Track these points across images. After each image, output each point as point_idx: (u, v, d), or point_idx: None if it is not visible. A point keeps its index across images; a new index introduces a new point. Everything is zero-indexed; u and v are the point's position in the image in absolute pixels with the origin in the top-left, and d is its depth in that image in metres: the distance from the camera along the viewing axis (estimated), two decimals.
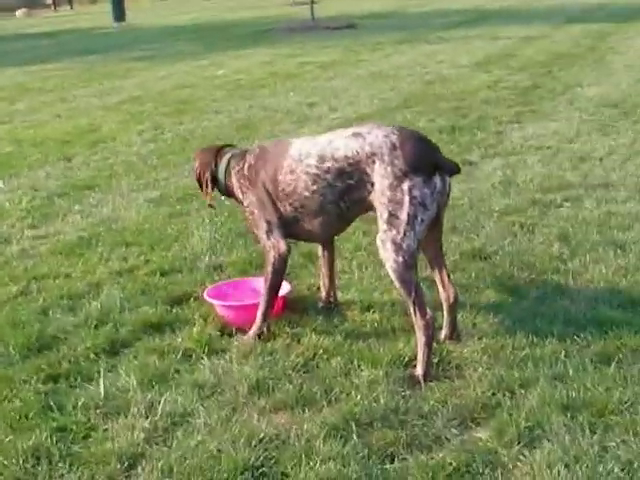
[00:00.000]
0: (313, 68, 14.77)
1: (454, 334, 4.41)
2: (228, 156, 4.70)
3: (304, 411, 3.78)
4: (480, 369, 4.09)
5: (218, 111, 11.13)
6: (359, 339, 4.43)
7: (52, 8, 39.42)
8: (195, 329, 4.61)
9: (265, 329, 4.51)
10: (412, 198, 4.00)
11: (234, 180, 4.63)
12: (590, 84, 11.75)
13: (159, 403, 3.87)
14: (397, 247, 4.02)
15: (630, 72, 12.59)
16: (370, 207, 4.23)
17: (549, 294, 4.91)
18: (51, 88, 14.55)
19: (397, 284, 4.09)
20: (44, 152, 9.34)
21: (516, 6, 26.19)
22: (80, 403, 3.91)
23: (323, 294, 4.89)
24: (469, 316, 4.64)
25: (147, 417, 3.77)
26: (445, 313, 4.40)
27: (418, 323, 4.08)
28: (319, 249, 4.88)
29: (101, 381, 4.08)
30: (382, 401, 3.81)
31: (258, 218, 4.48)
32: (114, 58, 18.45)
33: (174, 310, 4.90)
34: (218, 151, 4.77)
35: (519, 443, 3.47)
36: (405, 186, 4.01)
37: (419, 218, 4.02)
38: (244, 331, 4.57)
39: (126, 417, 3.79)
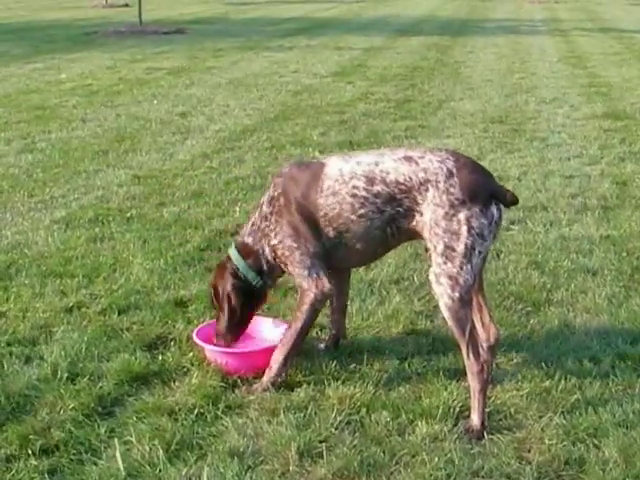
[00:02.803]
0: (163, 75, 14.05)
1: (490, 379, 4.03)
2: (233, 244, 4.21)
3: (375, 479, 3.29)
4: (536, 417, 3.75)
5: (85, 119, 10.27)
6: (390, 388, 3.97)
7: None
8: (194, 381, 4.00)
9: (283, 377, 3.96)
10: (470, 229, 3.64)
11: (256, 237, 4.07)
12: (462, 99, 11.75)
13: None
14: (453, 282, 3.63)
15: (493, 87, 12.72)
16: (415, 236, 3.86)
17: (557, 329, 4.65)
18: None
19: (450, 322, 3.70)
20: None
21: (342, 16, 26.35)
22: None
23: (333, 331, 4.37)
24: None
25: None
26: None
27: (472, 368, 3.68)
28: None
29: (117, 453, 3.40)
30: (457, 462, 3.38)
31: (296, 252, 3.92)
32: None
33: (158, 357, 4.25)
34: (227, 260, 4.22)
35: None
36: (462, 216, 3.64)
37: (477, 250, 3.66)
38: (248, 380, 4.01)
39: None
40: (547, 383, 4.01)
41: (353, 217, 3.83)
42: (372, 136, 9.33)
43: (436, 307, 4.78)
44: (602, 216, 6.55)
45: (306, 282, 3.91)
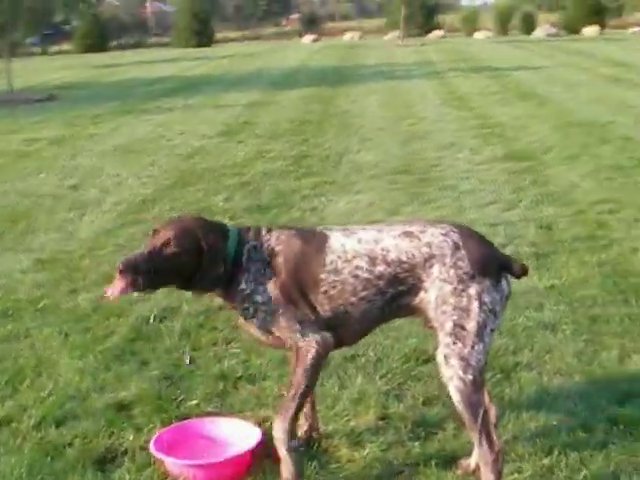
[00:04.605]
0: (44, 145, 13.39)
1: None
2: (236, 229, 3.63)
3: None
4: None
5: None
6: None
7: None
8: None
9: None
10: (482, 304, 3.35)
11: (245, 263, 3.52)
12: (360, 150, 11.56)
13: None
14: (465, 363, 3.33)
15: (388, 135, 12.64)
16: (414, 313, 3.54)
17: (535, 396, 4.36)
18: None
19: (461, 407, 3.36)
20: None
21: (213, 73, 26.13)
22: None
23: (305, 426, 3.95)
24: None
25: None
26: None
27: (486, 457, 3.35)
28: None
29: None
30: None
31: (284, 318, 3.47)
32: None
33: (113, 476, 3.75)
34: (213, 223, 3.67)
35: None
36: (472, 291, 3.35)
37: (488, 328, 3.38)
38: None
39: None
40: (547, 461, 3.72)
41: (353, 299, 3.48)
42: (279, 198, 8.97)
43: (401, 385, 4.50)
44: (539, 265, 6.36)
45: (302, 341, 3.47)
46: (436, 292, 3.39)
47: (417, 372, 4.65)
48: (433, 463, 3.74)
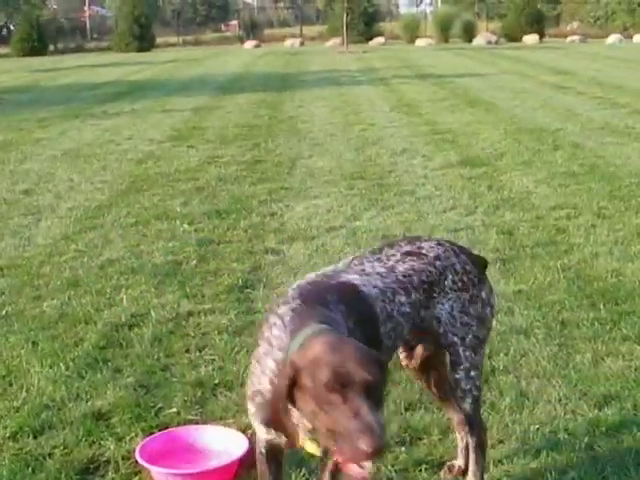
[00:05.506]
0: None
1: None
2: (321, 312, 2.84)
3: None
4: None
5: None
6: None
7: None
8: None
9: None
10: (492, 308, 3.37)
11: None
12: (312, 155, 11.55)
13: None
14: (478, 372, 3.36)
15: (339, 141, 12.66)
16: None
17: (516, 400, 4.40)
18: None
19: (472, 411, 3.38)
20: None
21: (157, 78, 25.91)
22: None
23: None
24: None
25: None
26: (463, 441, 3.69)
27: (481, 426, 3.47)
28: None
29: None
30: None
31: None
32: None
33: None
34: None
35: None
36: (484, 294, 3.31)
37: (491, 330, 3.45)
38: None
39: None
40: (535, 464, 3.75)
41: (399, 343, 3.22)
42: (237, 203, 8.90)
43: None
44: (504, 270, 6.42)
45: None
46: (451, 304, 3.22)
47: (395, 377, 4.63)
48: (423, 468, 3.74)
